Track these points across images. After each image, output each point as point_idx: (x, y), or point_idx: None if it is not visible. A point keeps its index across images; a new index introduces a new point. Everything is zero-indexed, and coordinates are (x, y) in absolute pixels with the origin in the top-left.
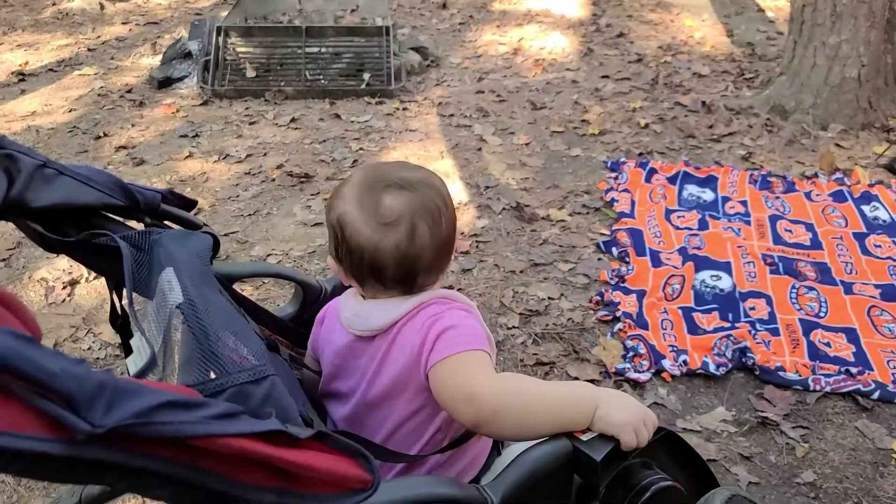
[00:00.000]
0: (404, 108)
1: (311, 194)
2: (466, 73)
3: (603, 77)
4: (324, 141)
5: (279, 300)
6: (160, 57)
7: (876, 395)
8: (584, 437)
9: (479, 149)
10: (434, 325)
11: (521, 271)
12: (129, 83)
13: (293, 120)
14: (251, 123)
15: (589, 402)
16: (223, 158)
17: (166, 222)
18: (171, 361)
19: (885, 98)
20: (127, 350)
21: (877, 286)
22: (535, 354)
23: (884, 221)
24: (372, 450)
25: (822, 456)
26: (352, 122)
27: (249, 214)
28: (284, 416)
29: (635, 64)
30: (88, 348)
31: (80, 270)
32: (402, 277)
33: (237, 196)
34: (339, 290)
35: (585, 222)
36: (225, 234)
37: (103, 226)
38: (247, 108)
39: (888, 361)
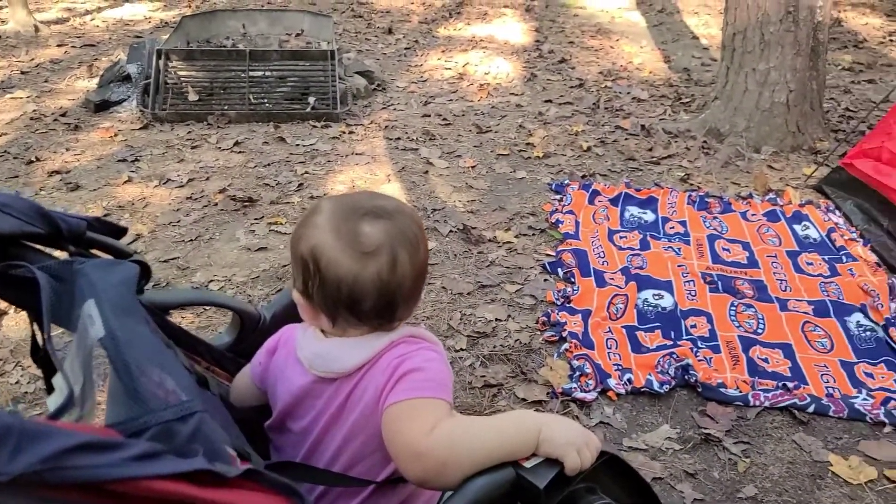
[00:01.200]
0: (350, 132)
1: (255, 219)
2: (412, 97)
3: (546, 101)
4: (268, 165)
5: (221, 328)
6: (97, 80)
7: (811, 408)
8: (528, 464)
9: (426, 172)
10: (400, 366)
11: (468, 293)
12: (63, 106)
13: (237, 143)
14: (193, 147)
15: (532, 431)
16: (164, 183)
17: (94, 251)
18: (91, 399)
19: (811, 122)
20: (49, 386)
21: (809, 302)
22: (483, 377)
23: (814, 240)
24: (322, 476)
25: (763, 470)
26: (297, 145)
27: (191, 240)
28: (214, 454)
29: (577, 89)
30: (17, 382)
31: None
32: (382, 309)
33: (178, 221)
34: (278, 318)
35: (531, 244)
36: (165, 261)
37: (23, 256)
38: (189, 132)
39: (821, 375)
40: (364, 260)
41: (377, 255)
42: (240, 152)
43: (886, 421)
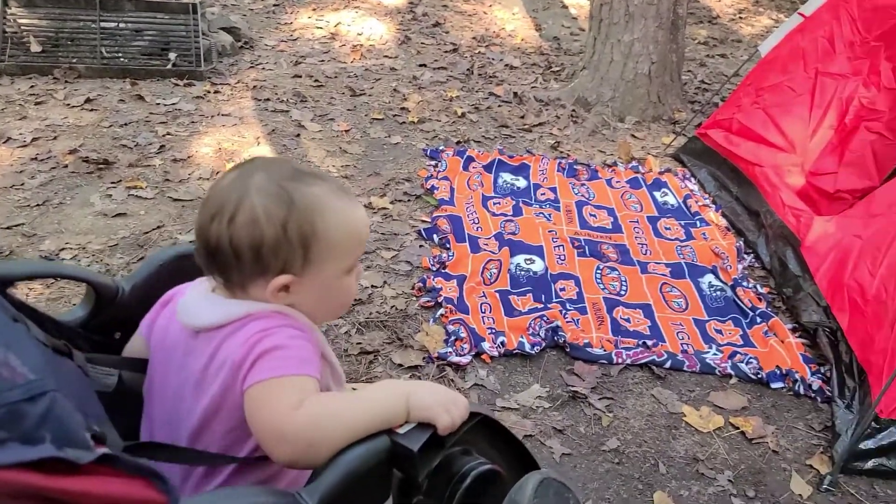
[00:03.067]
0: (216, 91)
1: (112, 182)
2: (282, 56)
3: (420, 66)
4: (125, 124)
5: (76, 299)
6: None
7: (668, 364)
8: (401, 430)
9: (298, 135)
10: (259, 343)
11: None
12: None
13: (88, 101)
14: (38, 103)
15: (401, 399)
16: (4, 142)
17: None
18: None
19: (670, 93)
20: None
21: (667, 265)
22: (360, 343)
23: (672, 206)
24: (185, 455)
25: (624, 423)
26: (157, 104)
27: (38, 205)
28: (66, 437)
29: (451, 54)
30: None
31: None
32: (214, 262)
33: (21, 184)
34: (140, 288)
35: (407, 210)
36: (7, 227)
37: None
38: (32, 87)
39: (677, 333)
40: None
41: (208, 193)
42: (92, 110)
43: (733, 373)
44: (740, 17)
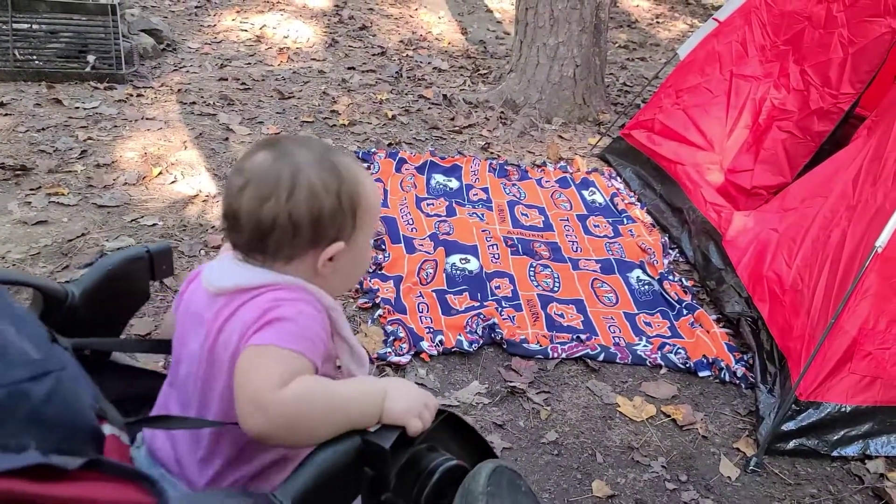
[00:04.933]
0: (139, 95)
1: (31, 189)
2: (207, 59)
3: (349, 68)
4: (43, 129)
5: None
6: None
7: (601, 357)
8: (372, 428)
9: (226, 139)
10: (272, 310)
11: None
12: None
13: (2, 105)
14: None
15: (378, 398)
16: None
17: None
18: None
19: (595, 95)
20: None
21: (597, 261)
22: None
23: (600, 204)
24: (197, 422)
25: (562, 416)
26: (76, 108)
27: None
28: (72, 420)
29: (379, 56)
30: None
31: None
32: (253, 238)
33: None
34: (88, 293)
35: None
36: None
37: None
38: None
39: (609, 326)
40: (234, 177)
41: (240, 176)
42: (6, 115)
43: (662, 363)
44: (658, 22)
